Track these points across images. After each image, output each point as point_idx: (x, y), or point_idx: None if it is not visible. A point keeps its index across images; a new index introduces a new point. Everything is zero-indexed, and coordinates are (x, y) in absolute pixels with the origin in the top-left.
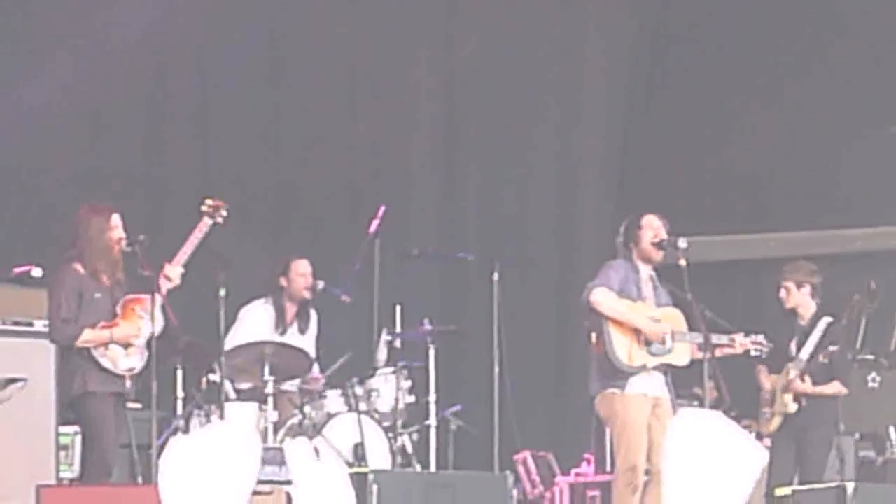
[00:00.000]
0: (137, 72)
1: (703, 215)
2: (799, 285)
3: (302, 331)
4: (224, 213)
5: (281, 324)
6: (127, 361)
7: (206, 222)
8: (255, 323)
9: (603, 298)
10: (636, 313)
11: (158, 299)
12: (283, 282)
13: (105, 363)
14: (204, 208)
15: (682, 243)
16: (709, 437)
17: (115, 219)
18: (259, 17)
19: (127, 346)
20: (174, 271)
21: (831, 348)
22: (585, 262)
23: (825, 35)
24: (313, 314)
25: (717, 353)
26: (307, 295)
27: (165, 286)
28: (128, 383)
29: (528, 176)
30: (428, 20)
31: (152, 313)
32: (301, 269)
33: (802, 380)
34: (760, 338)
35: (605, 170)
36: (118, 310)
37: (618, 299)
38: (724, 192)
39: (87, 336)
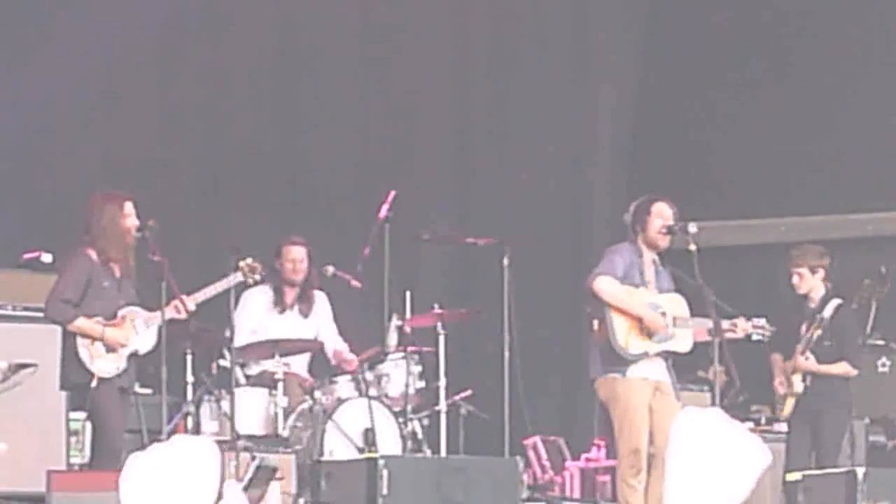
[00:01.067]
0: (148, 56)
1: (715, 199)
2: (813, 270)
3: (304, 314)
4: (258, 276)
5: (280, 303)
6: (102, 363)
7: (237, 277)
8: (253, 307)
9: (605, 286)
10: (638, 301)
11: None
12: (277, 264)
13: (83, 353)
14: (242, 264)
15: (692, 228)
16: (711, 436)
17: (129, 206)
18: (265, 1)
19: (110, 350)
20: (189, 304)
21: (835, 323)
22: (597, 247)
23: (837, 18)
24: (320, 297)
25: (736, 333)
26: (296, 278)
27: (173, 314)
28: (93, 382)
29: (539, 160)
30: (438, 3)
31: (162, 320)
32: (290, 255)
33: (804, 356)
34: (762, 321)
35: (616, 154)
36: (120, 314)
37: (620, 286)
38: (736, 175)
39: (81, 323)
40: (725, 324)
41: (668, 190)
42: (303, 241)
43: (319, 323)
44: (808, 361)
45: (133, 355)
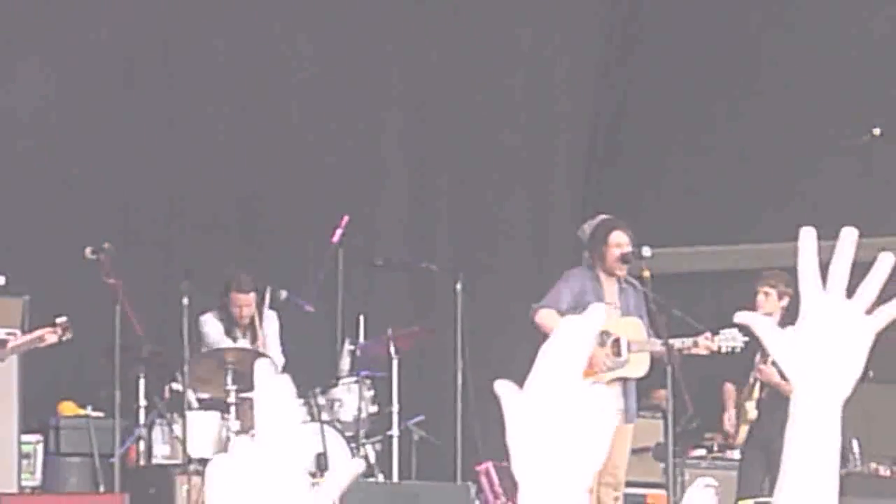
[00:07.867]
0: (103, 82)
1: (670, 226)
2: (780, 295)
3: (252, 341)
4: (69, 336)
5: (231, 332)
6: None
7: (52, 337)
8: (210, 330)
9: (547, 321)
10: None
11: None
12: (226, 300)
13: None
14: (58, 321)
15: (646, 252)
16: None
17: None
18: (224, 26)
19: None
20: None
21: None
22: (553, 272)
23: (792, 49)
24: (269, 317)
25: (699, 350)
26: (244, 322)
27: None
28: None
29: (496, 184)
30: (394, 26)
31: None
32: (238, 302)
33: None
34: (734, 332)
35: (573, 179)
36: None
37: (560, 320)
38: (691, 202)
39: None
40: (687, 342)
41: (623, 215)
42: (249, 288)
43: (268, 343)
44: (772, 371)
45: None
